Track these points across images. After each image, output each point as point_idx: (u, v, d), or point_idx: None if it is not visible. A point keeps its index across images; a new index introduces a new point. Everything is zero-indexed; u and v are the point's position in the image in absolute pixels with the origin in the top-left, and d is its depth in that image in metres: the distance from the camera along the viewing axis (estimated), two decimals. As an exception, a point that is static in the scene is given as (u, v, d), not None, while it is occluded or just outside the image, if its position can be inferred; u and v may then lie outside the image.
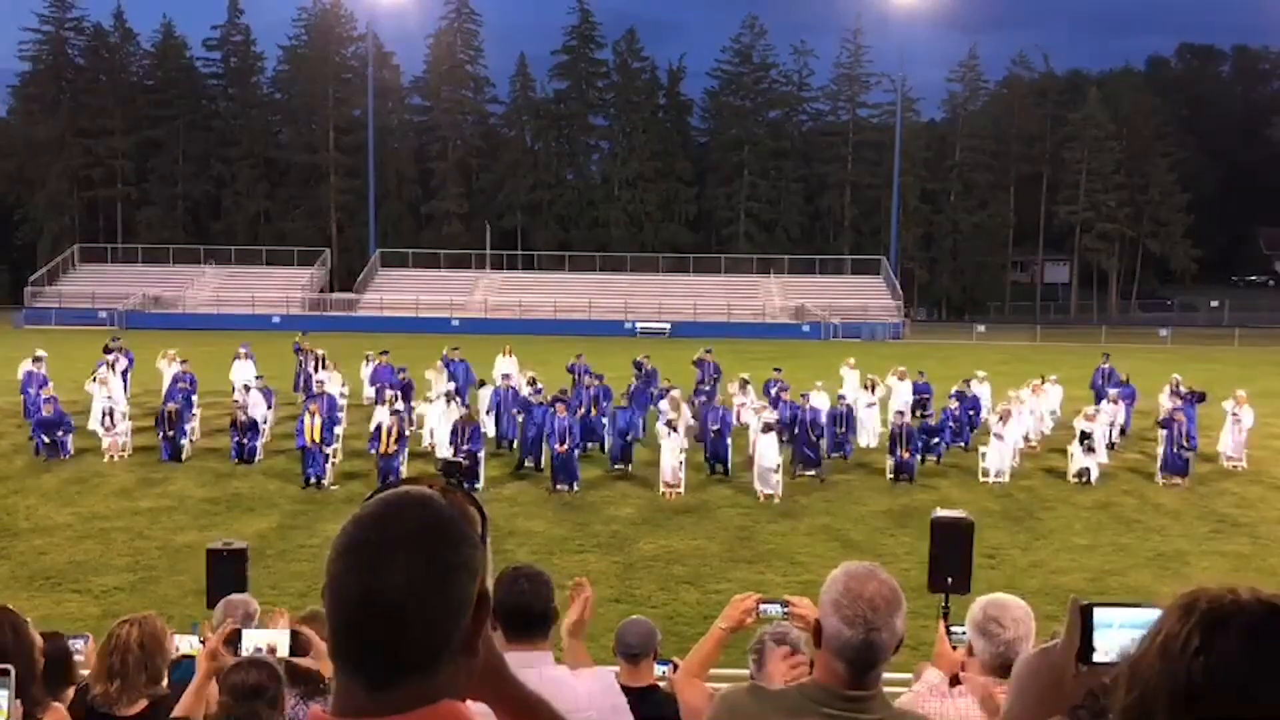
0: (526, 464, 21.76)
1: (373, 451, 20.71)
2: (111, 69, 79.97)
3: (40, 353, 25.40)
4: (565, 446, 20.40)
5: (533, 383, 24.47)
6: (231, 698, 3.85)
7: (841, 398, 23.94)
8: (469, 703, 1.48)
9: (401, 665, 1.35)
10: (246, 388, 24.07)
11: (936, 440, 22.28)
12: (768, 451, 20.12)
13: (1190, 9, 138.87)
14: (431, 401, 23.52)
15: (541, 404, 22.15)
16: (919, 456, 21.61)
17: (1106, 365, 27.49)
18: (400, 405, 22.04)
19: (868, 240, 76.10)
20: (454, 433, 20.80)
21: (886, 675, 2.61)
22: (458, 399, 23.24)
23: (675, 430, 20.52)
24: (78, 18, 79.85)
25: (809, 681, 2.65)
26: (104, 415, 22.19)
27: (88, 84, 78.83)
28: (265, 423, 23.41)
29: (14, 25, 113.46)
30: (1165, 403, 25.52)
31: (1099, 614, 1.73)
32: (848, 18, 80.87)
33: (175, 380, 24.30)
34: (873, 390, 25.06)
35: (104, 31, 79.92)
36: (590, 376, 24.81)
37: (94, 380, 23.59)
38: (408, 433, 21.54)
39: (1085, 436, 21.35)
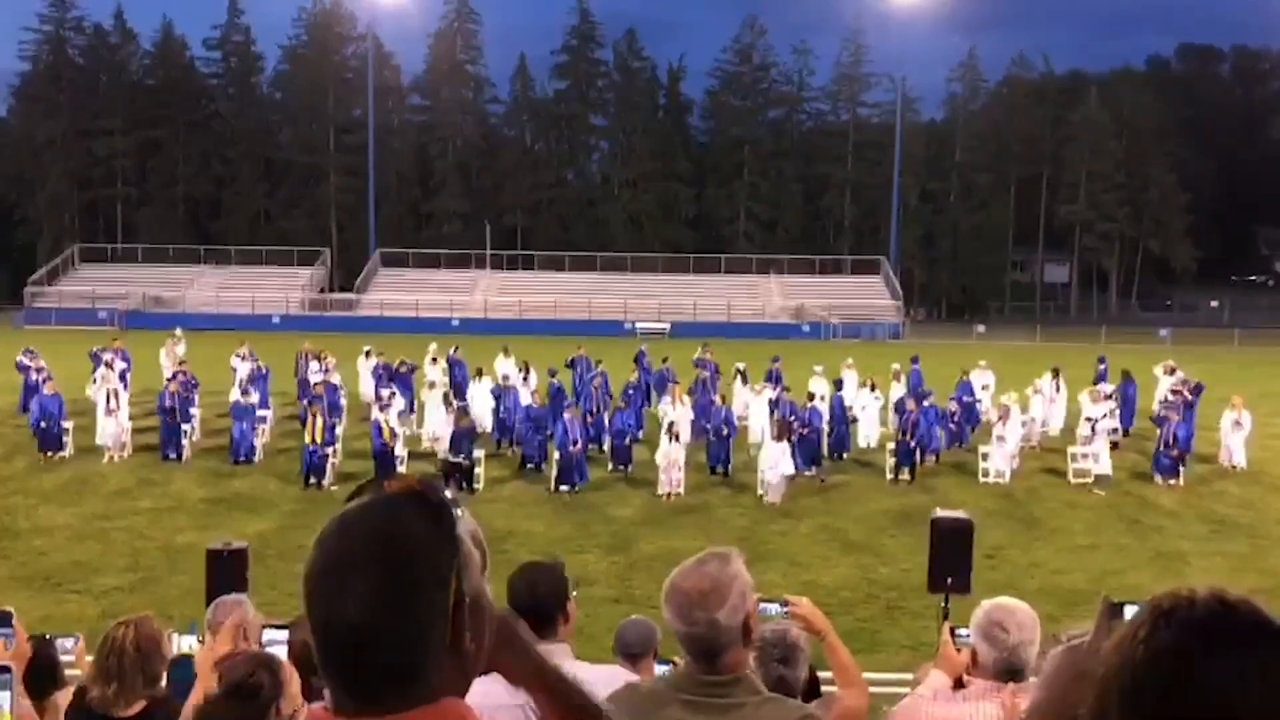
0: (528, 464, 21.75)
1: (376, 451, 20.63)
2: (111, 69, 80.00)
3: (31, 349, 26.06)
4: (579, 447, 20.40)
5: (524, 367, 24.90)
6: (227, 695, 3.83)
7: (839, 383, 24.08)
8: (494, 676, 1.50)
9: (378, 682, 1.34)
10: (245, 390, 24.04)
11: (933, 425, 22.19)
12: (779, 462, 19.86)
13: (1190, 9, 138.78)
14: (431, 389, 23.58)
15: (541, 405, 22.24)
16: (919, 451, 21.51)
17: (1104, 367, 27.44)
18: (400, 403, 22.02)
19: (868, 240, 76.11)
20: (452, 434, 20.80)
21: (890, 675, 2.60)
22: (456, 399, 23.26)
23: (678, 430, 20.47)
24: (78, 18, 79.94)
25: (676, 672, 2.69)
26: (108, 397, 22.17)
27: (88, 84, 78.84)
28: (265, 422, 23.43)
29: (14, 25, 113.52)
30: (1159, 375, 25.66)
31: (1129, 612, 1.70)
32: (848, 18, 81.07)
33: (174, 375, 24.26)
34: (872, 389, 25.01)
35: (104, 31, 79.98)
36: (598, 376, 24.91)
37: (94, 383, 23.81)
38: (407, 431, 21.53)
39: (1092, 426, 21.22)
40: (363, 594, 1.31)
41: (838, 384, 24.80)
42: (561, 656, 3.26)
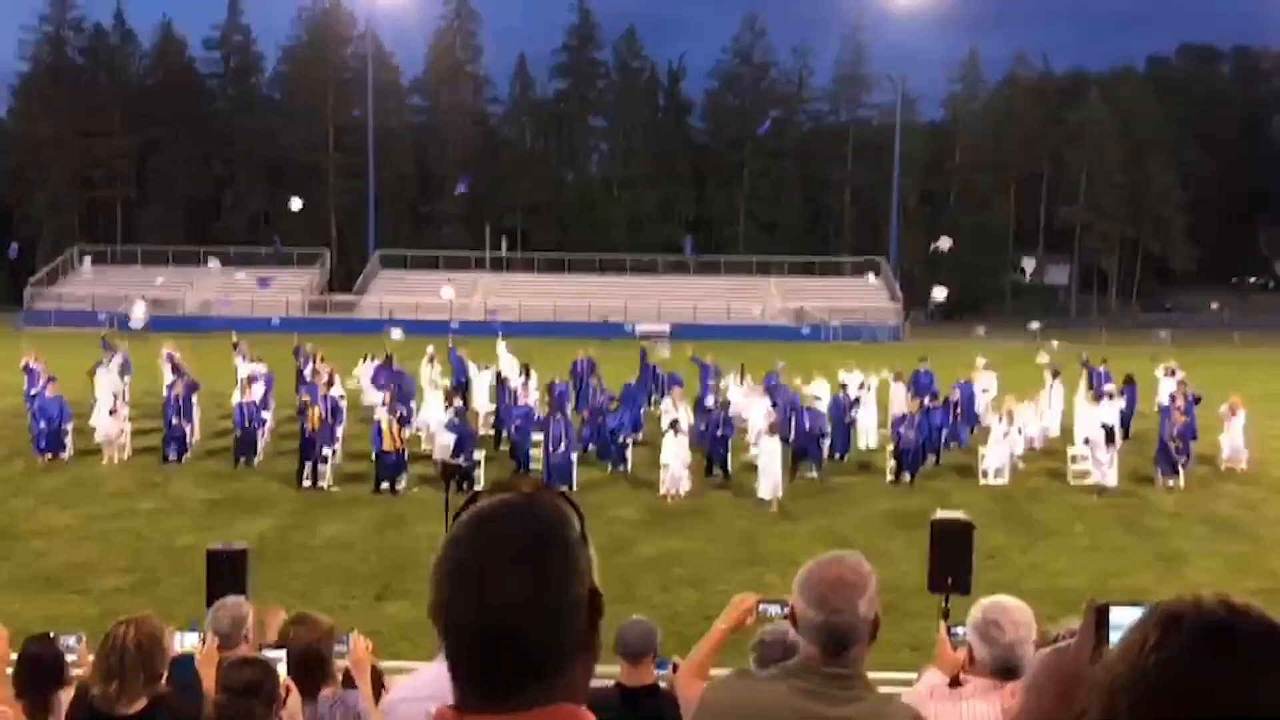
0: (520, 466, 21.74)
1: (375, 453, 20.61)
2: (111, 69, 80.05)
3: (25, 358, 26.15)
4: (562, 449, 20.40)
5: (525, 370, 24.99)
6: (227, 695, 3.86)
7: (844, 386, 24.06)
8: None
9: (520, 677, 1.37)
10: (247, 383, 24.01)
11: (938, 430, 22.13)
12: (770, 462, 19.88)
13: (1190, 9, 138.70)
14: (434, 389, 23.57)
15: (527, 405, 22.29)
16: (922, 448, 21.48)
17: (1103, 368, 27.43)
18: (400, 410, 22.00)
19: (868, 241, 76.12)
20: (451, 433, 20.81)
21: (889, 675, 2.63)
22: (452, 399, 23.25)
23: (680, 432, 20.46)
24: (78, 18, 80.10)
25: (793, 661, 2.72)
26: (112, 399, 22.15)
27: (88, 84, 78.88)
28: (267, 423, 23.42)
29: (14, 25, 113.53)
30: (1159, 376, 25.58)
31: (1115, 614, 1.71)
32: (848, 18, 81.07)
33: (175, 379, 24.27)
34: (862, 386, 25.00)
35: (104, 31, 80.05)
36: (595, 378, 24.97)
37: (102, 367, 24.02)
38: (406, 433, 21.52)
39: (1109, 432, 21.10)
40: (518, 584, 1.35)
41: (839, 386, 24.72)
42: None
